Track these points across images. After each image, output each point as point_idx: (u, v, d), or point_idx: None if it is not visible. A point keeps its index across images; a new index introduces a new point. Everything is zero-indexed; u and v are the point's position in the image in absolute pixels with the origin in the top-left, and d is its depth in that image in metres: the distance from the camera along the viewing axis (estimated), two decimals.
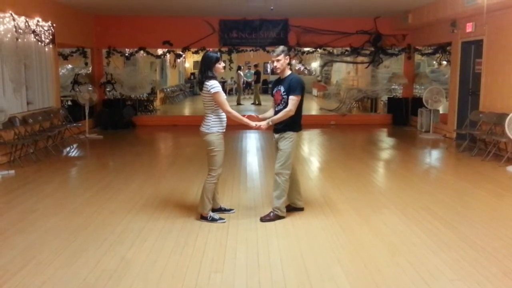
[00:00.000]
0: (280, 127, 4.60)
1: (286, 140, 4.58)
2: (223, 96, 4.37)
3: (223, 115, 4.49)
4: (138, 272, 3.49)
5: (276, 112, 4.64)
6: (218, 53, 4.54)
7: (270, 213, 4.70)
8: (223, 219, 4.64)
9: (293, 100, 4.48)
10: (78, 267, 3.57)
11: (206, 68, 4.42)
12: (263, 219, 4.65)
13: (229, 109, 4.41)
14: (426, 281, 3.32)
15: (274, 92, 4.68)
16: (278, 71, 4.61)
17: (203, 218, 4.61)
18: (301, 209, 4.95)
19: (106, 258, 3.73)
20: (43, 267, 3.57)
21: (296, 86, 4.49)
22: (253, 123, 4.50)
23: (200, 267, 3.57)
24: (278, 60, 4.53)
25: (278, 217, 4.67)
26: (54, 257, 3.75)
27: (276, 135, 4.68)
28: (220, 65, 4.47)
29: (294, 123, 4.60)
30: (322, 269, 3.54)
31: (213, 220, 4.59)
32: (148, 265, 3.60)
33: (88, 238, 4.19)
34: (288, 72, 4.64)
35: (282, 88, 4.56)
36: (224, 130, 4.51)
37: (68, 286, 3.27)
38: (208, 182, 4.56)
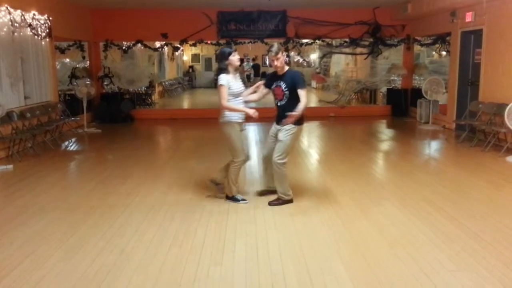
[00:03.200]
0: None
1: (287, 132, 4.69)
2: (224, 91, 4.58)
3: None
4: (137, 265, 3.48)
5: (279, 107, 4.78)
6: (232, 48, 4.70)
7: (277, 199, 4.90)
8: (246, 200, 4.98)
9: (302, 92, 4.61)
10: (77, 261, 3.56)
11: (219, 63, 4.70)
12: (271, 203, 4.87)
13: (225, 103, 4.63)
14: (426, 273, 3.31)
15: (273, 87, 4.80)
16: (279, 69, 4.72)
17: (229, 198, 4.99)
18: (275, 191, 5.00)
19: (105, 252, 3.72)
20: (42, 261, 3.56)
21: (300, 81, 4.68)
22: (251, 111, 4.64)
23: (199, 260, 3.57)
24: (277, 59, 4.66)
25: (286, 202, 4.87)
26: (53, 251, 3.74)
27: (278, 126, 4.79)
28: (235, 57, 4.66)
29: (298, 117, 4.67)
30: (322, 261, 3.54)
31: (236, 200, 4.95)
32: (147, 259, 3.59)
33: (87, 232, 4.18)
34: (286, 67, 4.79)
35: (283, 84, 4.68)
36: (240, 120, 4.75)
37: (67, 280, 3.26)
38: (232, 167, 4.88)
